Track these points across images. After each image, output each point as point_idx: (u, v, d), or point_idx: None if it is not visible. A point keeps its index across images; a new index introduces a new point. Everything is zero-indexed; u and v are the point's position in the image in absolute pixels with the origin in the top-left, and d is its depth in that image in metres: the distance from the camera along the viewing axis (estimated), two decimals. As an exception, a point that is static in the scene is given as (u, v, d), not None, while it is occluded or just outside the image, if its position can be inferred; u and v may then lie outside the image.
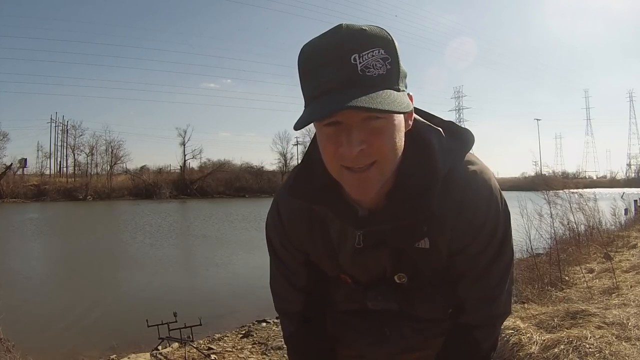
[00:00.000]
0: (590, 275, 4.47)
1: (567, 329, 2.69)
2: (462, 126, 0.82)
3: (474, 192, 0.78)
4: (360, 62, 0.63)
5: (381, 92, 0.63)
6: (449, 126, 0.81)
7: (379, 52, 0.64)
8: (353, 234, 0.81)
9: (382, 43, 0.65)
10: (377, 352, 0.96)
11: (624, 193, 12.94)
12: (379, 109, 0.61)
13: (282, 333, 1.06)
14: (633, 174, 63.56)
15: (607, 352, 2.33)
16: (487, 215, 0.79)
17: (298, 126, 0.66)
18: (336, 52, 0.64)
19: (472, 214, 0.78)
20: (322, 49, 0.65)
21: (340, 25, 0.65)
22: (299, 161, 0.88)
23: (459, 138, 0.80)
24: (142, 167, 44.87)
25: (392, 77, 0.66)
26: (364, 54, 0.63)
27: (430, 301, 0.90)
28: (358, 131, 0.65)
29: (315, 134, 0.76)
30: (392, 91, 0.65)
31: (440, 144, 0.77)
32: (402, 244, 0.81)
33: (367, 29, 0.65)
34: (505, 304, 0.86)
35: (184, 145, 45.61)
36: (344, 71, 0.63)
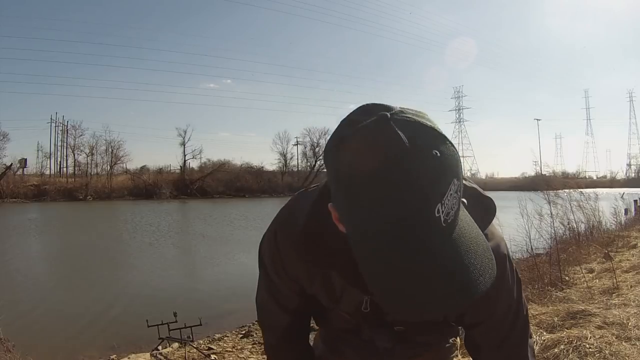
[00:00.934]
0: (591, 275, 4.47)
1: (567, 329, 2.69)
2: (485, 194, 0.74)
3: (506, 268, 0.76)
4: (442, 212, 0.48)
5: (467, 248, 0.51)
6: (473, 194, 0.71)
7: (454, 185, 0.49)
8: (359, 303, 0.80)
9: (456, 166, 0.50)
10: None
11: (624, 193, 12.95)
12: (484, 289, 0.51)
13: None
14: (633, 174, 63.58)
15: (607, 352, 2.32)
16: (502, 289, 0.75)
17: (389, 308, 0.55)
18: (419, 213, 0.47)
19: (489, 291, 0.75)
20: (400, 201, 0.47)
21: (410, 156, 0.47)
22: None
23: (482, 208, 0.71)
24: (142, 167, 44.91)
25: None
26: (445, 200, 0.48)
27: (427, 335, 0.91)
28: None
29: (322, 189, 0.72)
30: (465, 225, 0.53)
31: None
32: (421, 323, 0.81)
33: (438, 153, 0.48)
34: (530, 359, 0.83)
35: (184, 145, 45.66)
36: (436, 232, 0.48)
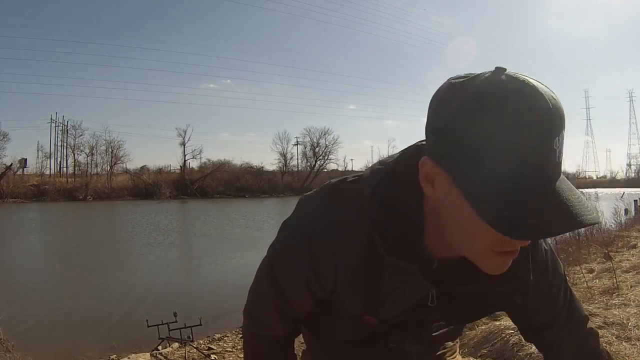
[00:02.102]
0: (591, 275, 4.47)
1: (567, 329, 2.69)
2: None
3: (551, 259, 0.79)
4: (558, 147, 0.51)
5: (575, 191, 0.53)
6: None
7: (564, 130, 0.52)
8: (423, 292, 0.70)
9: (565, 123, 0.53)
10: None
11: (624, 193, 12.95)
12: (596, 222, 0.53)
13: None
14: (633, 174, 63.60)
15: (607, 352, 2.33)
16: (556, 275, 0.80)
17: (511, 234, 0.50)
18: (547, 143, 0.50)
19: (548, 278, 0.78)
20: (534, 134, 0.50)
21: (535, 88, 0.51)
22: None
23: None
24: (142, 167, 44.93)
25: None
26: (561, 136, 0.51)
27: (450, 338, 0.89)
28: None
29: (393, 176, 0.66)
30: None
31: None
32: (476, 312, 0.77)
33: (555, 98, 0.52)
34: (581, 310, 0.85)
35: (184, 145, 45.66)
36: (554, 163, 0.51)
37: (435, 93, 0.57)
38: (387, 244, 0.65)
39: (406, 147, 0.69)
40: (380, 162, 0.71)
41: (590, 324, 0.84)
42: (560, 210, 0.50)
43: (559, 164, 0.52)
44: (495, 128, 0.50)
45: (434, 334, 0.80)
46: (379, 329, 0.79)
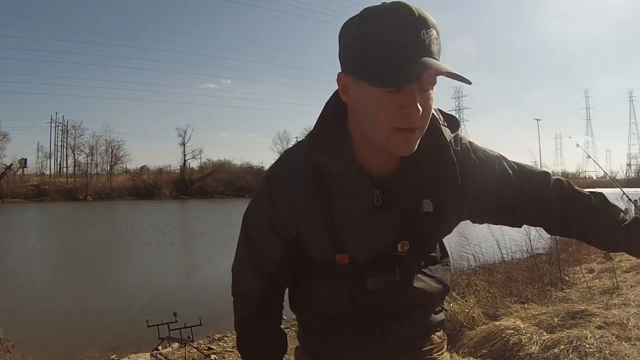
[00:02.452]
0: (590, 275, 4.47)
1: (567, 329, 2.69)
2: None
3: (479, 149, 0.90)
4: (426, 38, 0.69)
5: (443, 64, 0.70)
6: (438, 109, 0.86)
7: (434, 32, 0.70)
8: (370, 195, 0.80)
9: (435, 25, 0.71)
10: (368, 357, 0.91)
11: (624, 193, 12.94)
12: (467, 78, 0.69)
13: (233, 320, 1.02)
14: (633, 174, 63.57)
15: (607, 352, 2.33)
16: (490, 158, 0.90)
17: (404, 81, 0.67)
18: (409, 25, 0.68)
19: (486, 163, 0.88)
20: (395, 18, 0.69)
21: (404, 3, 0.70)
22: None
23: (449, 117, 0.87)
24: (142, 167, 44.90)
25: (440, 55, 0.72)
26: (429, 30, 0.69)
27: (425, 275, 0.92)
28: (419, 97, 0.70)
29: (326, 111, 0.83)
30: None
31: (441, 118, 0.84)
32: (413, 203, 0.84)
33: (424, 11, 0.71)
34: (536, 170, 0.95)
35: (184, 145, 45.65)
36: (419, 41, 0.68)
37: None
38: (322, 152, 0.79)
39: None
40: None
41: (552, 177, 0.94)
42: (422, 65, 0.67)
43: (428, 49, 0.68)
44: (372, 28, 0.69)
45: (403, 261, 0.86)
46: (354, 273, 0.85)
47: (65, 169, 44.85)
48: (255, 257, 0.92)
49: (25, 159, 41.43)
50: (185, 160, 45.63)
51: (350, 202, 0.82)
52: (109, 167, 42.69)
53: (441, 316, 1.01)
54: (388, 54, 0.68)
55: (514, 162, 0.92)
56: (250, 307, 0.97)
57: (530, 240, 5.36)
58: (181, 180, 42.43)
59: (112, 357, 4.05)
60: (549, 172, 0.94)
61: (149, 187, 39.79)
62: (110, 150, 43.17)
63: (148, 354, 3.82)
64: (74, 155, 44.62)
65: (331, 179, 0.81)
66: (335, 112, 0.81)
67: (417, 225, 0.84)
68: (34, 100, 72.11)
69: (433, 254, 0.95)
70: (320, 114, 0.84)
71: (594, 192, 0.94)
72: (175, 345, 3.98)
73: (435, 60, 0.68)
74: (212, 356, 3.75)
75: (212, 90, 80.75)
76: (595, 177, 64.01)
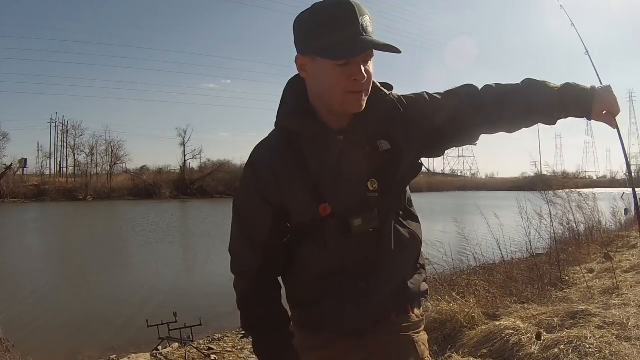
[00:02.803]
0: (590, 275, 4.47)
1: (567, 329, 2.69)
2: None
3: (408, 95, 1.07)
4: (363, 22, 0.89)
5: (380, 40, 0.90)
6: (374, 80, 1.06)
7: (368, 18, 0.91)
8: (335, 143, 0.97)
9: (368, 13, 0.91)
10: (351, 320, 1.01)
11: (624, 193, 12.92)
12: (397, 48, 0.89)
13: (235, 298, 1.08)
14: (633, 174, 63.43)
15: (607, 352, 2.33)
16: (419, 96, 1.06)
17: (352, 54, 0.89)
18: (350, 14, 0.89)
19: (418, 101, 1.05)
20: (339, 10, 0.89)
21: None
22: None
23: (384, 83, 1.06)
24: (142, 167, 44.84)
25: (374, 34, 0.92)
26: (364, 17, 0.90)
27: (401, 226, 1.05)
28: (363, 67, 0.91)
29: (286, 92, 1.03)
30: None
31: (378, 84, 1.04)
32: (371, 144, 1.00)
33: (359, 3, 0.91)
34: (458, 88, 1.10)
35: (184, 145, 45.59)
36: (358, 25, 0.89)
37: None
38: (292, 119, 0.99)
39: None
40: None
41: (473, 86, 1.08)
42: (364, 42, 0.88)
43: (366, 29, 0.89)
44: (323, 17, 0.90)
45: (381, 206, 0.99)
46: (339, 225, 0.97)
47: (65, 169, 44.87)
48: (248, 230, 1.04)
49: (25, 159, 41.41)
50: (185, 160, 45.61)
51: (321, 155, 0.98)
52: (109, 167, 42.67)
53: (422, 286, 1.11)
54: (338, 35, 0.88)
55: (437, 93, 1.07)
56: (250, 281, 1.05)
57: (530, 240, 5.36)
58: (181, 180, 42.39)
59: (112, 357, 4.05)
60: (470, 83, 1.08)
61: (149, 187, 39.75)
62: (110, 150, 43.15)
63: (148, 354, 3.82)
64: (74, 155, 44.62)
65: (301, 143, 0.98)
66: (292, 90, 1.02)
67: (379, 162, 0.99)
68: (34, 100, 71.95)
69: (406, 207, 1.09)
70: (282, 96, 1.04)
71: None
72: (175, 345, 3.98)
73: (372, 38, 0.89)
74: (212, 356, 3.75)
75: (212, 90, 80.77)
76: (595, 177, 64.07)
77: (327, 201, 0.97)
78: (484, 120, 1.05)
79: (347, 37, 0.88)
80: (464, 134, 1.06)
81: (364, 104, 0.95)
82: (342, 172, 0.97)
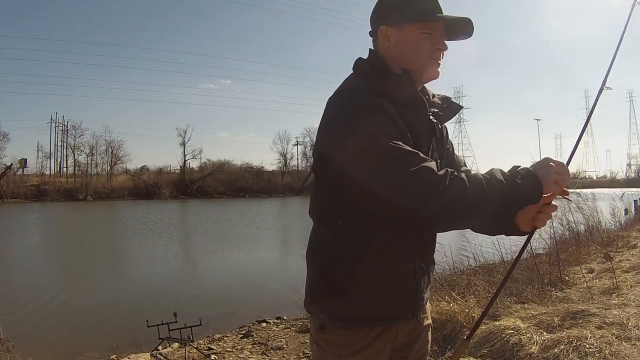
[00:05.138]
0: (590, 275, 4.47)
1: (567, 329, 2.69)
2: None
3: None
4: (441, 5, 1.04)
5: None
6: None
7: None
8: (426, 114, 1.05)
9: None
10: (419, 303, 1.07)
11: (624, 193, 12.93)
12: (471, 23, 1.03)
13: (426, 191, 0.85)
14: (633, 174, 63.52)
15: (607, 352, 2.33)
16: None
17: (447, 19, 1.00)
18: None
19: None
20: None
21: None
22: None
23: None
24: (142, 167, 44.88)
25: None
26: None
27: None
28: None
29: (365, 64, 1.05)
30: None
31: None
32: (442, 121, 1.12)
33: None
34: None
35: (184, 145, 45.68)
36: (438, 2, 1.03)
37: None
38: (396, 87, 1.00)
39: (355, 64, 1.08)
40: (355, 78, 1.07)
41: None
42: (453, 16, 1.01)
43: (441, 9, 1.02)
44: None
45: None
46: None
47: (65, 169, 44.89)
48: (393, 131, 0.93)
49: (25, 159, 41.45)
50: (185, 160, 45.70)
51: (415, 117, 1.00)
52: (109, 167, 42.70)
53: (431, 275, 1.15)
54: (426, 4, 1.00)
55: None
56: (435, 169, 0.88)
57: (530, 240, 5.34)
58: (181, 180, 42.41)
59: (112, 357, 4.04)
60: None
61: (149, 187, 39.76)
62: (110, 150, 43.22)
63: (148, 354, 3.81)
64: (74, 155, 44.68)
65: (394, 105, 0.97)
66: (369, 64, 1.05)
67: (442, 139, 1.10)
68: (34, 100, 72.16)
69: None
70: (360, 69, 1.05)
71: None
72: (175, 345, 3.97)
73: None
74: (212, 356, 3.75)
75: (212, 90, 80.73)
76: (595, 177, 64.06)
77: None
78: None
79: (433, 8, 1.00)
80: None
81: (439, 74, 1.06)
82: (422, 138, 1.02)
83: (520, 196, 0.88)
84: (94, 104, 79.61)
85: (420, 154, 0.91)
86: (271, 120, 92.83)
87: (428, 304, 1.17)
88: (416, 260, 1.02)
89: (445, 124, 1.13)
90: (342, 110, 0.94)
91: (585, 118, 1.28)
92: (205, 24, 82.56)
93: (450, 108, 1.12)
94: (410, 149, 0.90)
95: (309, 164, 51.62)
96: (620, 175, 65.07)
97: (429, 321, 1.17)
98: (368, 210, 0.93)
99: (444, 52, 1.04)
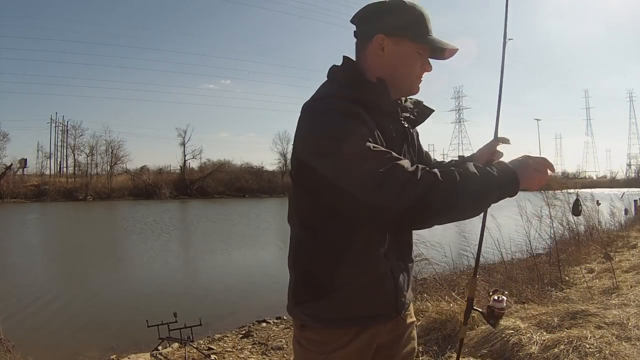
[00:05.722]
0: (590, 275, 4.47)
1: (567, 329, 2.69)
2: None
3: None
4: (430, 24, 1.07)
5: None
6: None
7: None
8: (398, 121, 1.10)
9: None
10: (403, 302, 1.09)
11: (624, 193, 12.94)
12: (456, 48, 1.07)
13: (400, 183, 0.86)
14: (633, 174, 63.55)
15: (607, 352, 2.33)
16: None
17: (442, 47, 1.05)
18: (427, 17, 1.07)
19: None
20: (424, 13, 1.06)
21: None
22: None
23: None
24: (142, 167, 44.84)
25: None
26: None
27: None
28: None
29: (348, 64, 1.09)
30: None
31: None
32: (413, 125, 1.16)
33: None
34: None
35: (184, 145, 45.64)
36: (429, 25, 1.07)
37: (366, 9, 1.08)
38: (370, 94, 1.02)
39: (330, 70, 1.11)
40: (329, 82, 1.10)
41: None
42: (450, 46, 1.06)
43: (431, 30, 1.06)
44: (413, 9, 1.04)
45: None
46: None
47: (65, 169, 44.87)
48: (369, 143, 0.91)
49: (25, 159, 41.42)
50: (185, 160, 45.65)
51: (388, 124, 1.04)
52: (109, 167, 42.68)
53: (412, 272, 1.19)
54: (427, 29, 1.05)
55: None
56: (408, 165, 0.89)
57: (530, 240, 5.36)
58: (181, 180, 42.38)
59: (112, 357, 4.04)
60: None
61: (149, 187, 39.73)
62: (110, 150, 43.18)
63: (148, 354, 3.81)
64: (74, 155, 44.64)
65: (367, 112, 0.99)
66: (349, 71, 1.07)
67: (413, 139, 1.16)
68: (34, 100, 72.16)
69: None
70: (337, 74, 1.07)
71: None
72: (175, 345, 3.97)
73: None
74: (212, 356, 3.75)
75: (212, 90, 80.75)
76: (595, 177, 64.04)
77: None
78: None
79: (429, 30, 1.06)
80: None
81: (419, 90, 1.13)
82: (395, 143, 1.05)
83: (494, 188, 0.91)
84: (94, 104, 79.48)
85: (393, 153, 0.92)
86: (271, 120, 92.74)
87: (411, 304, 1.19)
88: (393, 260, 1.04)
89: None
90: (317, 116, 0.96)
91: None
92: (206, 24, 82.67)
93: (423, 112, 1.16)
94: (383, 148, 0.93)
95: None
96: (620, 175, 65.16)
97: (413, 319, 1.20)
98: (346, 213, 0.93)
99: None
